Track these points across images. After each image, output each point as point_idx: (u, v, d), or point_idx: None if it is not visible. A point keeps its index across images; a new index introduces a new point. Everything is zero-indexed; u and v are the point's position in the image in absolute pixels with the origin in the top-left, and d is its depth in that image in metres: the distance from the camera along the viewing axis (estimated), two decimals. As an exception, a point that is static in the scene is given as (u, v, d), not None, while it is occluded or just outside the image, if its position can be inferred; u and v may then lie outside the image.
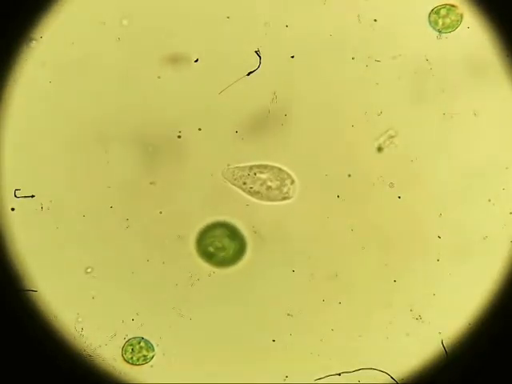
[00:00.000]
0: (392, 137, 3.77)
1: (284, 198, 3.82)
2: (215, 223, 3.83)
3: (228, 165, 3.79)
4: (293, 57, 3.73)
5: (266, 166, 3.81)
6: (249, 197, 3.82)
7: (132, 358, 3.80)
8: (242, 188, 3.80)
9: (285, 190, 3.80)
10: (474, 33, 3.67)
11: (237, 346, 3.84)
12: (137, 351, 3.80)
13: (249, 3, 3.71)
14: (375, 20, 3.70)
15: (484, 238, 3.76)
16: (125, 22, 3.69)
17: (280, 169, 3.81)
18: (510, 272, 3.73)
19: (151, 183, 3.78)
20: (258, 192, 3.81)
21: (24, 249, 3.71)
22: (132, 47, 3.71)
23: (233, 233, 3.84)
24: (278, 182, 3.81)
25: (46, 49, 3.66)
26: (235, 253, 3.85)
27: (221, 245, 3.85)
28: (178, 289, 3.82)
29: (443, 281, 3.79)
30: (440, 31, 3.69)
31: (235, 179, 3.80)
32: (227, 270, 3.85)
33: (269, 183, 3.81)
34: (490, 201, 3.76)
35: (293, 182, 3.81)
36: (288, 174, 3.81)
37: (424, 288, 3.81)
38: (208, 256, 3.83)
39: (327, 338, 3.81)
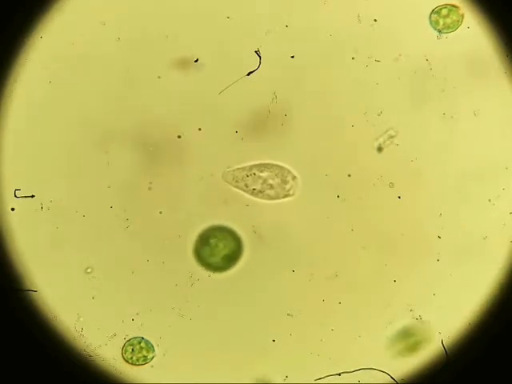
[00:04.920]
0: (392, 137, 3.77)
1: (286, 196, 3.82)
2: (218, 227, 3.84)
3: (228, 167, 3.79)
4: (293, 57, 3.73)
5: (266, 165, 3.81)
6: (251, 197, 3.82)
7: (132, 357, 3.80)
8: (244, 190, 3.80)
9: (287, 187, 3.81)
10: (474, 33, 3.67)
11: (237, 346, 3.84)
12: (137, 351, 3.80)
13: (249, 3, 3.71)
14: (375, 20, 3.70)
15: (484, 238, 3.76)
16: (125, 22, 3.69)
17: (280, 166, 3.81)
18: (510, 272, 3.73)
19: (151, 183, 3.78)
20: (260, 191, 3.81)
21: (24, 249, 3.71)
22: (132, 47, 3.71)
23: (233, 239, 3.85)
24: (279, 180, 3.81)
25: (46, 49, 3.66)
26: (231, 255, 3.85)
27: (222, 244, 3.86)
28: (178, 289, 3.82)
29: (443, 281, 3.79)
30: (440, 31, 3.69)
31: (236, 181, 3.79)
32: (223, 273, 3.85)
33: (270, 181, 3.81)
34: (490, 201, 3.76)
35: (294, 177, 3.81)
36: (289, 171, 3.81)
37: (424, 288, 3.81)
38: (206, 247, 3.83)
39: (327, 338, 3.81)
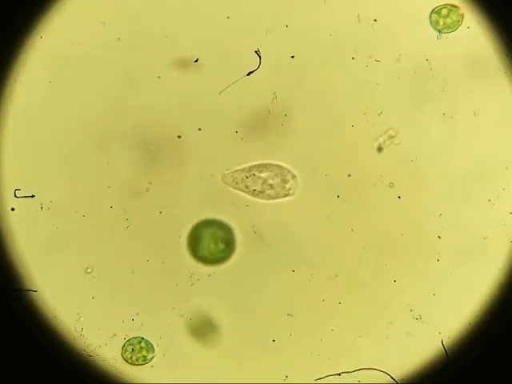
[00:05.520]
0: (392, 137, 3.77)
1: (286, 195, 3.82)
2: (212, 221, 3.84)
3: (227, 169, 3.79)
4: (293, 57, 3.73)
5: (265, 165, 3.81)
6: (252, 198, 3.82)
7: (132, 357, 3.80)
8: (244, 191, 3.80)
9: (287, 186, 3.81)
10: (474, 33, 3.67)
11: (237, 346, 3.84)
12: (137, 351, 3.80)
13: (249, 3, 3.71)
14: (375, 20, 3.70)
15: (484, 238, 3.76)
16: (125, 22, 3.69)
17: (279, 166, 3.81)
18: (510, 272, 3.73)
19: (151, 183, 3.78)
20: (260, 192, 3.81)
21: (24, 249, 3.71)
22: (132, 47, 3.71)
23: (228, 233, 3.85)
24: (279, 179, 3.81)
25: (46, 49, 3.66)
26: (228, 247, 3.85)
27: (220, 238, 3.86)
28: (178, 289, 3.82)
29: (443, 281, 3.79)
30: (440, 31, 3.69)
31: (236, 183, 3.79)
32: (223, 268, 3.85)
33: (270, 181, 3.81)
34: (490, 201, 3.76)
35: (294, 176, 3.81)
36: (288, 170, 3.81)
37: (424, 288, 3.81)
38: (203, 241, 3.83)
39: (327, 338, 3.81)
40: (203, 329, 3.81)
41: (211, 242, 3.84)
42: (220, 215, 3.83)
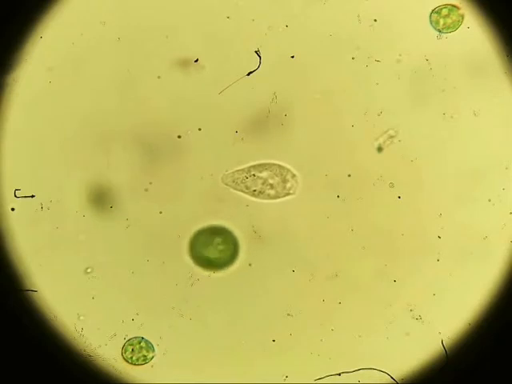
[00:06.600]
0: (392, 137, 3.77)
1: (287, 195, 3.82)
2: (210, 229, 3.84)
3: (226, 170, 3.78)
4: (293, 57, 3.73)
5: (264, 165, 3.81)
6: (252, 198, 3.82)
7: (132, 357, 3.80)
8: (244, 192, 3.80)
9: (288, 185, 3.80)
10: (474, 33, 3.67)
11: (237, 346, 3.84)
12: (137, 351, 3.80)
13: (249, 3, 3.71)
14: (375, 20, 3.70)
15: (484, 238, 3.76)
16: (125, 22, 3.69)
17: (279, 165, 3.81)
18: (510, 272, 3.73)
19: (151, 183, 3.78)
20: (260, 192, 3.81)
21: (24, 249, 3.71)
22: (132, 47, 3.71)
23: (229, 238, 3.84)
24: (279, 179, 3.81)
25: (46, 49, 3.66)
26: (230, 256, 3.85)
27: (220, 248, 3.86)
28: (178, 289, 3.82)
29: (443, 281, 3.80)
30: (440, 31, 3.69)
31: (236, 184, 3.79)
32: (224, 272, 3.85)
33: (270, 181, 3.81)
34: (490, 201, 3.76)
35: (294, 176, 3.81)
36: (288, 170, 3.81)
37: (424, 288, 3.81)
38: (203, 261, 3.84)
39: (327, 337, 3.81)
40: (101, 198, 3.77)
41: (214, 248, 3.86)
42: (220, 215, 3.83)
